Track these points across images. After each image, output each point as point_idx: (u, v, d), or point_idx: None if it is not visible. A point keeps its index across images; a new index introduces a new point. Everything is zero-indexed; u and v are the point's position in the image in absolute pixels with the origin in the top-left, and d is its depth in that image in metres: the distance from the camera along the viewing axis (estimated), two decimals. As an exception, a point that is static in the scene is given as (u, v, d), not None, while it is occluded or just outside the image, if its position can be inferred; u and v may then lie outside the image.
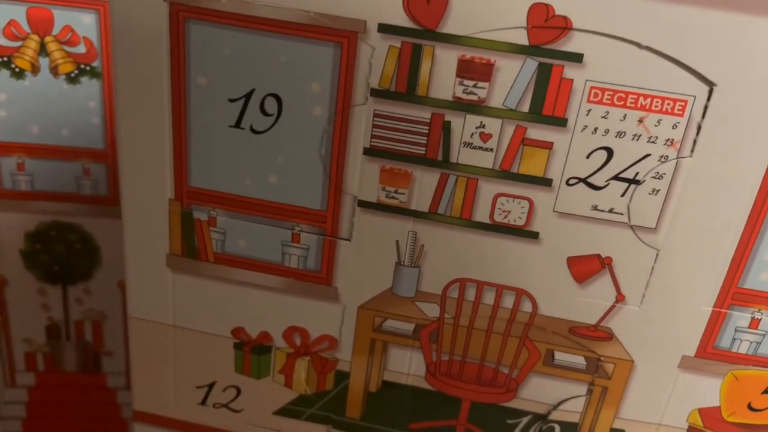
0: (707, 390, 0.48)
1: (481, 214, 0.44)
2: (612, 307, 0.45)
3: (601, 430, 0.50)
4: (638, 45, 0.38)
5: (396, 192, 0.44)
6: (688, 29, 0.37)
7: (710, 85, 0.38)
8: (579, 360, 0.48)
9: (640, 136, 0.40)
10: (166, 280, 0.50)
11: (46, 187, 0.66)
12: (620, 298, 0.45)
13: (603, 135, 0.40)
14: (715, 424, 0.49)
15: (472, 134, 0.42)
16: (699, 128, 0.39)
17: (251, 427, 0.55)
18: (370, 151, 0.43)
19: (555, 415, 0.50)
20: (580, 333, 0.47)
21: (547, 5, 0.37)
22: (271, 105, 0.43)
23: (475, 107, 0.41)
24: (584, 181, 0.42)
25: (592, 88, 0.39)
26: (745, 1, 0.36)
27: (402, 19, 0.39)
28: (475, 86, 0.40)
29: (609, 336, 0.46)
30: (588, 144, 0.41)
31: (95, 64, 0.61)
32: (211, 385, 0.54)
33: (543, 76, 0.39)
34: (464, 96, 0.41)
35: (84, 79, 0.61)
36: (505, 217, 0.44)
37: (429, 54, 0.40)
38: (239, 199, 0.46)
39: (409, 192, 0.44)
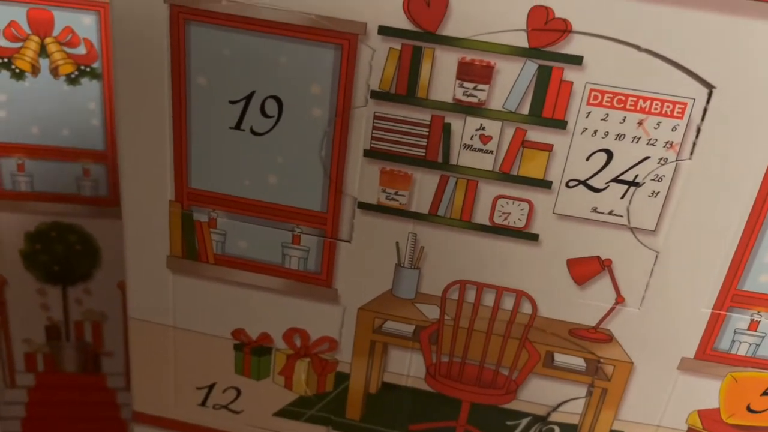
0: (706, 392, 0.48)
1: (481, 216, 0.44)
2: (611, 309, 0.46)
3: (600, 432, 0.50)
4: (638, 48, 0.38)
5: (396, 194, 0.44)
6: (687, 32, 0.37)
7: (709, 87, 0.38)
8: (579, 362, 0.48)
9: (639, 138, 0.40)
10: (167, 282, 0.50)
11: (46, 188, 0.66)
12: (620, 300, 0.45)
13: (603, 137, 0.40)
14: (714, 425, 0.49)
15: (472, 136, 0.42)
16: (698, 131, 0.39)
17: (251, 428, 0.55)
18: (370, 153, 0.43)
19: (555, 417, 0.50)
20: (580, 335, 0.47)
21: (546, 8, 0.38)
22: (271, 107, 0.43)
23: (475, 109, 0.41)
24: (584, 183, 0.42)
25: (591, 90, 0.39)
26: (744, 4, 0.36)
27: (402, 22, 0.39)
28: (475, 88, 0.40)
29: (609, 338, 0.47)
30: (588, 146, 0.41)
31: (95, 65, 0.61)
32: (211, 386, 0.54)
33: (543, 78, 0.39)
34: (464, 98, 0.41)
35: (84, 80, 0.61)
36: (505, 219, 0.44)
37: (429, 56, 0.40)
38: (239, 201, 0.46)
39: (409, 194, 0.44)
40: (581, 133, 0.41)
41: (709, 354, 0.46)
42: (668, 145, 0.40)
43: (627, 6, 0.37)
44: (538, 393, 0.50)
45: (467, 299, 0.47)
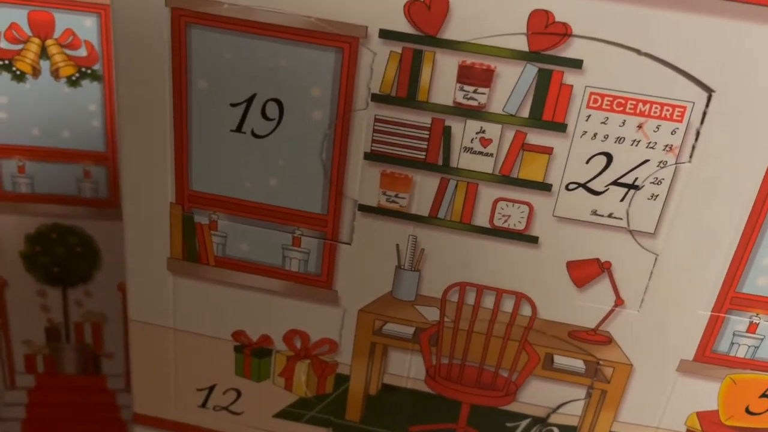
0: (705, 394, 0.48)
1: (481, 219, 0.44)
2: (611, 311, 0.46)
3: (599, 434, 0.50)
4: (637, 51, 0.38)
5: (396, 196, 0.44)
6: (686, 36, 0.37)
7: (709, 91, 0.38)
8: (578, 363, 0.48)
9: (639, 141, 0.40)
10: (167, 284, 0.50)
11: (47, 190, 0.66)
12: (619, 302, 0.45)
13: (602, 140, 0.41)
14: (713, 427, 0.49)
15: (473, 139, 0.42)
16: (698, 134, 0.40)
17: (251, 429, 0.55)
18: (370, 156, 0.43)
19: (554, 419, 0.51)
20: (580, 337, 0.47)
21: (547, 12, 0.38)
22: (272, 109, 0.43)
23: (476, 112, 0.41)
24: (584, 186, 0.42)
25: (591, 93, 0.39)
26: (743, 8, 0.36)
27: (403, 25, 0.39)
28: (475, 92, 0.40)
29: (608, 340, 0.47)
30: (587, 149, 0.41)
31: (96, 67, 0.61)
32: (211, 388, 0.54)
33: (543, 81, 0.40)
34: (464, 101, 0.41)
35: (85, 82, 0.61)
36: (505, 221, 0.44)
37: (430, 59, 0.40)
38: (240, 203, 0.46)
39: (409, 196, 0.44)
40: (581, 136, 0.41)
41: (708, 356, 0.46)
42: (668, 149, 0.40)
43: (627, 10, 0.37)
44: (537, 395, 0.50)
45: (467, 301, 0.47)
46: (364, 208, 0.45)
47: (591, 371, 0.48)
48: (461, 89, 0.40)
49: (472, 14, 0.38)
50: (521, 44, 0.39)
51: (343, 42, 0.40)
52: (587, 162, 0.41)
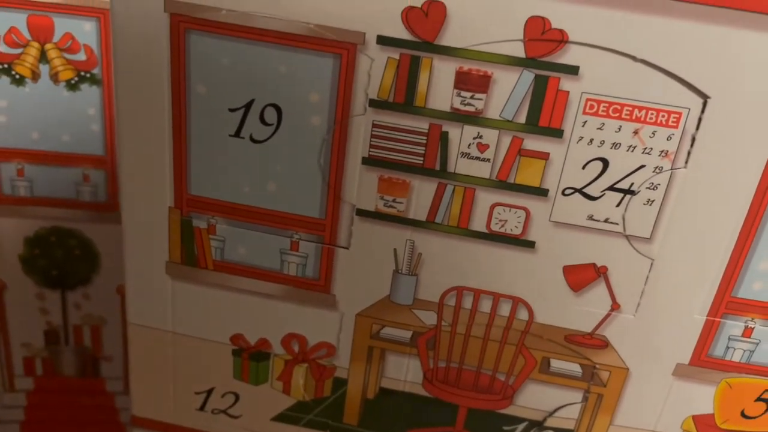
0: (701, 397, 0.48)
1: (478, 223, 0.44)
2: (607, 316, 0.46)
3: (596, 437, 0.51)
4: (633, 58, 0.38)
5: (394, 201, 0.44)
6: (682, 43, 0.37)
7: (704, 97, 0.39)
8: (575, 367, 0.48)
9: (635, 147, 0.41)
10: (166, 288, 0.50)
11: (46, 193, 0.66)
12: (615, 306, 0.45)
13: (598, 146, 0.41)
14: (708, 431, 0.49)
15: (470, 145, 0.42)
16: (693, 140, 0.40)
17: (249, 432, 0.56)
18: (368, 161, 0.44)
19: (551, 422, 0.51)
20: (576, 341, 0.47)
21: (543, 18, 0.38)
22: (270, 115, 0.43)
23: (473, 118, 0.41)
24: (580, 191, 0.42)
25: (587, 100, 0.40)
26: (738, 15, 0.36)
27: (401, 32, 0.39)
28: (472, 97, 0.41)
29: (604, 344, 0.47)
30: (584, 155, 0.41)
31: (95, 71, 0.61)
32: (209, 391, 0.54)
33: (539, 88, 0.40)
34: (462, 107, 0.41)
35: (84, 86, 0.62)
36: (502, 226, 0.44)
37: (427, 66, 0.40)
38: (239, 208, 0.47)
39: (407, 201, 0.44)
40: (577, 142, 0.41)
41: (703, 360, 0.46)
42: (663, 154, 0.40)
43: (622, 17, 0.37)
44: (534, 398, 0.50)
45: (464, 305, 0.47)
46: (361, 213, 0.45)
47: (587, 375, 0.48)
48: (458, 95, 0.41)
49: (470, 21, 0.39)
50: (518, 51, 0.39)
51: (341, 48, 0.40)
52: (583, 167, 0.42)
